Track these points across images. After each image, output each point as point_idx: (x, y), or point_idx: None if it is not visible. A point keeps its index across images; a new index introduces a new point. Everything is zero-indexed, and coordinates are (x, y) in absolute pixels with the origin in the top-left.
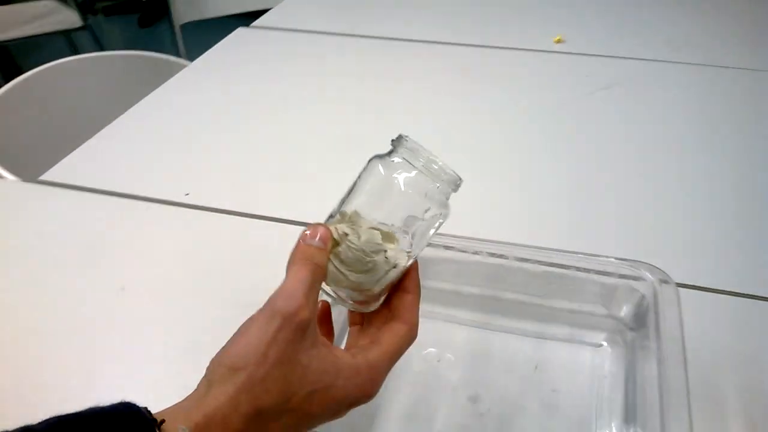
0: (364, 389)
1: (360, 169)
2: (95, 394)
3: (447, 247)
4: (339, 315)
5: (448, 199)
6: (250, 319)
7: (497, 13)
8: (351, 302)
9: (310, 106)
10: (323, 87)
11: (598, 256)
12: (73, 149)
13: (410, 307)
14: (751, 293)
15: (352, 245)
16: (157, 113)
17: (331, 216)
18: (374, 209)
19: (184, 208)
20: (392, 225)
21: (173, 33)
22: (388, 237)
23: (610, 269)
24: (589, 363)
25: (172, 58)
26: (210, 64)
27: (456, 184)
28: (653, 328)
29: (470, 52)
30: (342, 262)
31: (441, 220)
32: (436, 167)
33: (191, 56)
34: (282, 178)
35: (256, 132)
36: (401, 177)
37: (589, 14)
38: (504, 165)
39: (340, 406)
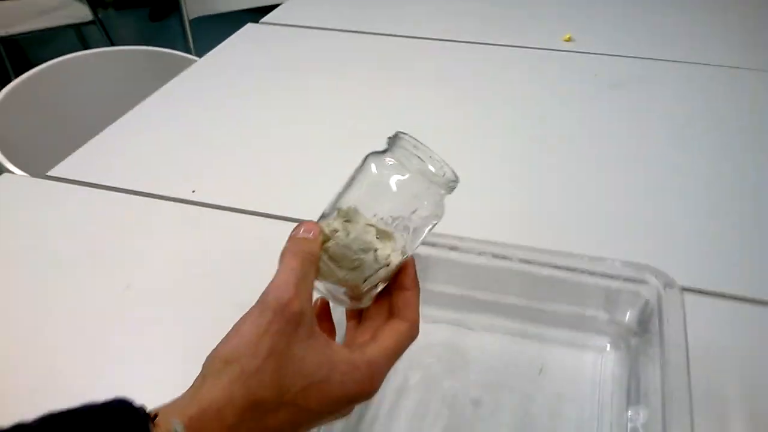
0: (363, 385)
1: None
2: (100, 392)
3: (451, 248)
4: (342, 314)
5: (442, 199)
6: (244, 315)
7: (506, 11)
8: (341, 298)
9: (319, 103)
10: (332, 84)
11: (603, 259)
12: (82, 145)
13: (410, 304)
14: (756, 298)
15: (340, 241)
16: (165, 109)
17: (323, 216)
18: (365, 208)
19: (191, 205)
20: (387, 223)
21: (183, 27)
22: (384, 235)
23: (614, 272)
24: (592, 367)
25: (182, 54)
26: (219, 61)
27: (449, 185)
28: (657, 333)
29: (478, 50)
30: (330, 257)
31: (435, 221)
32: (430, 168)
33: (201, 51)
34: (290, 175)
35: (264, 129)
36: (392, 177)
37: (599, 13)
38: (508, 164)
39: (339, 403)
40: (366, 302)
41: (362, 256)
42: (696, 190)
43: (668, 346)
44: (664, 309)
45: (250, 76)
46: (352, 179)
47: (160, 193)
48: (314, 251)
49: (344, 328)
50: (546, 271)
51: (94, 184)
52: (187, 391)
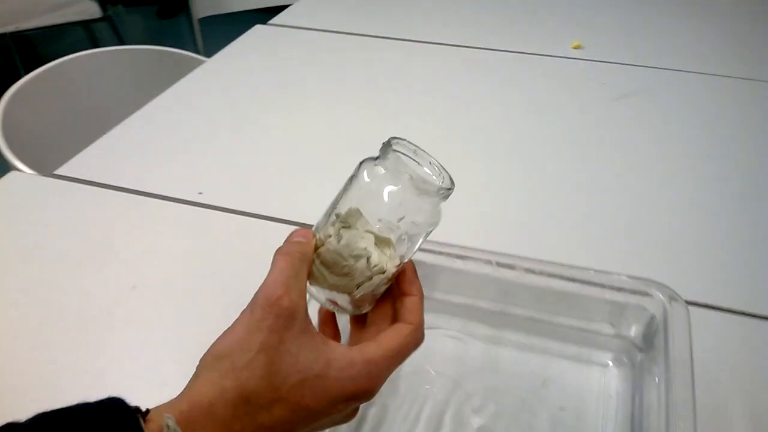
0: (360, 383)
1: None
2: (104, 392)
3: (457, 257)
4: (347, 321)
5: (437, 205)
6: (238, 316)
7: (515, 17)
8: (341, 304)
9: (327, 106)
10: (340, 87)
11: (609, 272)
12: (90, 143)
13: (413, 308)
14: (762, 314)
15: (331, 247)
16: (173, 110)
17: (316, 226)
18: (336, 213)
19: (198, 207)
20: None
21: (192, 26)
22: (382, 242)
23: (620, 286)
24: (596, 382)
25: (190, 54)
26: (227, 62)
27: (440, 193)
28: (662, 349)
29: (486, 56)
30: (322, 263)
31: (430, 228)
32: (423, 175)
33: (209, 49)
34: (297, 178)
35: (272, 132)
36: (383, 185)
37: (608, 21)
38: (513, 172)
39: (335, 400)
40: (366, 308)
41: (352, 263)
42: (703, 204)
43: (673, 362)
44: (670, 324)
45: (259, 79)
46: (345, 187)
47: (167, 195)
48: (305, 252)
49: (348, 333)
50: (552, 284)
51: (101, 183)
52: (182, 390)
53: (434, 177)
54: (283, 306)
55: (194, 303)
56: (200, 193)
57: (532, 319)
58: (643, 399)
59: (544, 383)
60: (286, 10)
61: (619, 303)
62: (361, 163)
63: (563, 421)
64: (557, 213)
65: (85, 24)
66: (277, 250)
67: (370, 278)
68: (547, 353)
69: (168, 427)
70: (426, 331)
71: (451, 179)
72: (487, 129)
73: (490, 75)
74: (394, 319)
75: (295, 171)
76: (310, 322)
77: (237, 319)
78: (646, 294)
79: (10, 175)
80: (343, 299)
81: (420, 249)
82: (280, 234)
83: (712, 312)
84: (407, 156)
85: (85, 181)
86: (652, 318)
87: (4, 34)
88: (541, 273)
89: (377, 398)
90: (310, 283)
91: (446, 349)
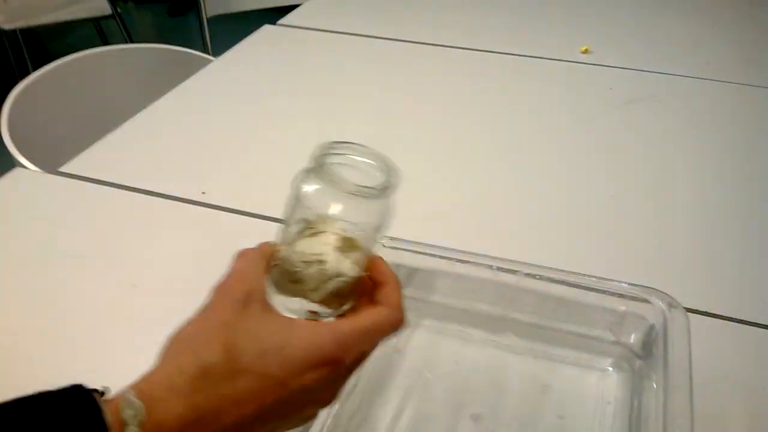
0: (326, 350)
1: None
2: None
3: (458, 261)
4: None
5: (384, 202)
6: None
7: (523, 20)
8: (314, 310)
9: (334, 107)
10: (347, 89)
11: (610, 279)
12: (96, 141)
13: (388, 293)
14: (762, 322)
15: (281, 255)
16: (178, 109)
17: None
18: (288, 224)
19: (200, 206)
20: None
21: (201, 25)
22: (349, 243)
23: (620, 293)
24: (595, 388)
25: (198, 53)
26: (234, 62)
27: (367, 193)
28: (661, 357)
29: (493, 59)
30: (279, 271)
31: (381, 225)
32: (348, 181)
33: (218, 49)
34: None
35: (277, 133)
36: (319, 196)
37: (617, 26)
38: (517, 177)
39: (302, 367)
40: (340, 310)
41: (301, 269)
42: (704, 211)
43: (672, 369)
44: (669, 332)
45: (265, 79)
46: (289, 201)
47: (170, 194)
48: (263, 250)
49: None
50: (552, 290)
51: (105, 181)
52: None
53: (378, 173)
54: (238, 290)
55: (195, 302)
56: (203, 193)
57: (532, 324)
58: (641, 406)
59: (543, 389)
60: (295, 10)
61: (619, 310)
62: (298, 176)
63: (561, 427)
64: (559, 219)
65: (95, 21)
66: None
67: (325, 282)
68: (546, 359)
69: (127, 400)
70: (424, 334)
71: (392, 172)
72: (493, 132)
73: (497, 78)
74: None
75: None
76: (271, 308)
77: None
78: (645, 301)
79: (15, 172)
80: (310, 305)
81: (420, 253)
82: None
83: (712, 320)
84: (341, 158)
85: (90, 179)
86: (652, 325)
87: (13, 30)
88: (541, 279)
89: (373, 402)
90: (277, 293)
91: (445, 353)
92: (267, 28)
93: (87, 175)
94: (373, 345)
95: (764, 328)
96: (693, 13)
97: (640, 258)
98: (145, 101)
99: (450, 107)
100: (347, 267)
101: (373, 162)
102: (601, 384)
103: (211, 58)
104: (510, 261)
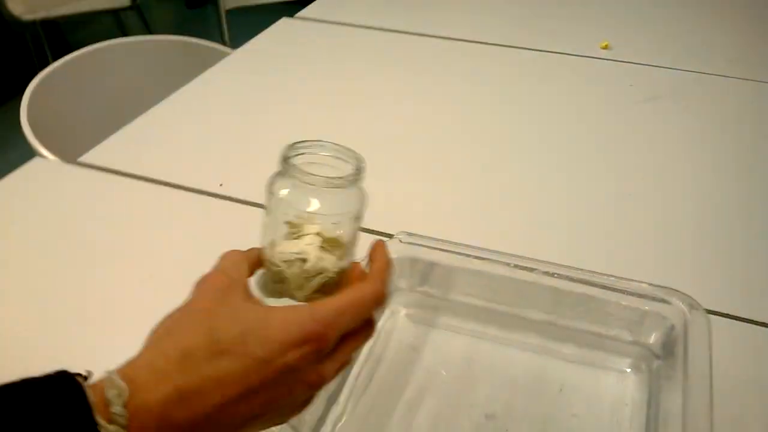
0: (306, 327)
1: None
2: None
3: (476, 258)
4: None
5: (355, 190)
6: None
7: (542, 14)
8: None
9: (351, 102)
10: (364, 83)
11: (630, 279)
12: (114, 132)
13: (374, 270)
14: None
15: (265, 256)
16: (197, 101)
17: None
18: (269, 228)
19: (217, 198)
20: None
21: (219, 18)
22: (332, 243)
23: (640, 293)
24: (612, 389)
25: (216, 45)
26: (252, 54)
27: (338, 184)
28: (681, 358)
29: (512, 53)
30: (264, 274)
31: (357, 211)
32: (318, 176)
33: (236, 41)
34: None
35: (294, 126)
36: (293, 196)
37: (638, 22)
38: (535, 174)
39: (283, 345)
40: None
41: (283, 269)
42: (727, 211)
43: (692, 372)
44: (690, 333)
45: (283, 72)
46: (267, 204)
47: (188, 185)
48: (247, 252)
49: None
50: (571, 288)
51: (124, 172)
52: None
53: (344, 165)
54: (220, 281)
55: None
56: (221, 185)
57: (549, 323)
58: (659, 408)
59: (559, 389)
60: (313, 3)
61: (639, 310)
62: (270, 181)
63: (577, 426)
64: (578, 216)
65: (114, 12)
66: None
67: (308, 279)
68: (563, 358)
69: (111, 381)
70: (440, 332)
71: (357, 161)
72: (512, 128)
73: (515, 73)
74: None
75: None
76: (252, 297)
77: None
78: (666, 302)
79: (34, 161)
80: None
81: (438, 249)
82: None
83: (733, 322)
84: (308, 157)
85: (108, 169)
86: (672, 326)
87: (33, 21)
88: (560, 277)
89: (388, 399)
90: (265, 296)
91: (460, 350)
92: (285, 21)
93: (106, 166)
94: (356, 319)
95: None
96: (716, 9)
97: (660, 258)
98: (164, 93)
99: (469, 102)
100: (329, 263)
101: (337, 155)
102: (618, 384)
103: (229, 50)
104: (528, 258)
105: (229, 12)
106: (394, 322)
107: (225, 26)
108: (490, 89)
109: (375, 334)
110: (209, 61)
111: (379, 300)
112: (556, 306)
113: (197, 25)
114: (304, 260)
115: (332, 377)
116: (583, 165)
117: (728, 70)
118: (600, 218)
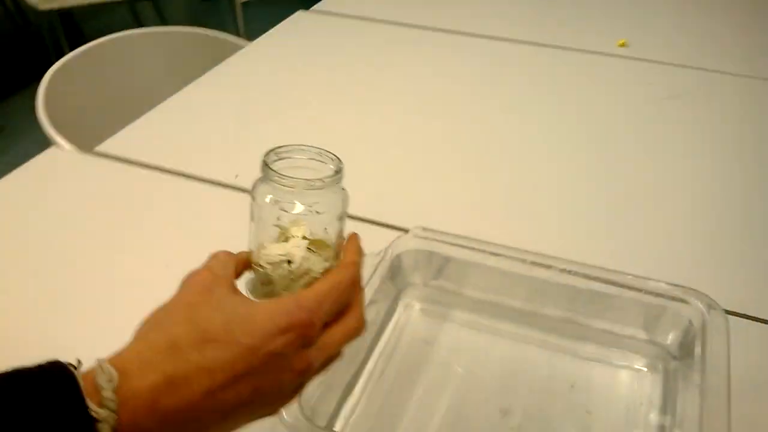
0: (292, 314)
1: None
2: None
3: (491, 254)
4: None
5: (336, 189)
6: None
7: (559, 11)
8: None
9: (366, 97)
10: (380, 76)
11: (647, 278)
12: (130, 122)
13: (345, 257)
14: None
15: (252, 259)
16: (213, 92)
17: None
18: (255, 232)
19: (233, 190)
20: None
21: (234, 9)
22: (317, 244)
23: (657, 292)
24: (627, 388)
25: (232, 37)
26: (268, 47)
27: (319, 185)
28: (698, 357)
29: (528, 50)
30: (252, 277)
31: (342, 207)
32: (299, 179)
33: (251, 32)
34: None
35: (309, 119)
36: (267, 201)
37: (656, 20)
38: (552, 172)
39: (269, 333)
40: None
41: (268, 271)
42: (747, 211)
43: (709, 372)
44: (708, 333)
45: (298, 64)
46: (251, 211)
47: (204, 176)
48: (237, 254)
49: None
50: (587, 285)
51: (139, 162)
52: None
53: (323, 166)
54: (205, 277)
55: None
56: (237, 176)
57: (563, 320)
58: (675, 408)
59: (573, 386)
60: None
61: (656, 309)
62: (254, 187)
63: (590, 425)
64: (596, 214)
65: (129, 3)
66: None
67: (294, 280)
68: (577, 355)
69: (102, 368)
70: (453, 327)
71: (335, 162)
72: (531, 125)
73: (533, 71)
74: None
75: None
76: (238, 292)
77: None
78: (684, 301)
79: (50, 151)
80: None
81: (454, 244)
82: None
83: (752, 323)
84: (287, 162)
85: (124, 159)
86: (689, 326)
87: (49, 11)
88: (576, 274)
89: (402, 394)
90: (256, 298)
91: (474, 346)
92: (300, 14)
93: (121, 156)
94: (337, 303)
95: None
96: (734, 7)
97: (679, 257)
98: (178, 84)
99: (488, 98)
100: (314, 263)
101: (315, 158)
102: (634, 384)
103: (244, 42)
104: (543, 255)
105: (244, 4)
106: (408, 316)
107: (240, 18)
108: (508, 85)
109: (371, 331)
110: (224, 52)
111: (354, 281)
112: (571, 303)
113: (212, 16)
114: (289, 262)
115: (320, 367)
116: (602, 163)
117: (749, 70)
118: (619, 216)
